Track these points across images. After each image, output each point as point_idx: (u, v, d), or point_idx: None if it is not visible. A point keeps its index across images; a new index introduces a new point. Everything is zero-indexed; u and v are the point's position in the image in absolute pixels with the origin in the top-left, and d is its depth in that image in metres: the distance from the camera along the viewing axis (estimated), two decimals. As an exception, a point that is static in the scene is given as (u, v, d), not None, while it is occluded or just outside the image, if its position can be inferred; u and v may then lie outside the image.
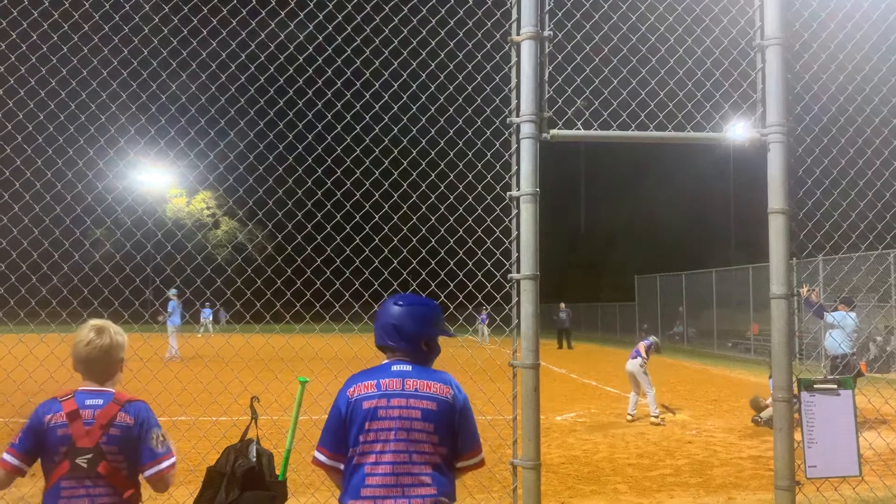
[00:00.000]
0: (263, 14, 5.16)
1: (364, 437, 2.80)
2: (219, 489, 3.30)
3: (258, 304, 5.53)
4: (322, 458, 2.91)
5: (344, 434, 2.84)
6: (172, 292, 21.59)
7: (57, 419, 2.93)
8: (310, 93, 5.12)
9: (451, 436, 2.89)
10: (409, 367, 2.93)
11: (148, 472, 3.06)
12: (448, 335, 3.14)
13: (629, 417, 11.68)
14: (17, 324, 5.28)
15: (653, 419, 11.32)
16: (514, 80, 4.06)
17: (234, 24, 5.37)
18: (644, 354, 11.96)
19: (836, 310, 11.22)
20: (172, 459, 3.13)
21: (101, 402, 2.99)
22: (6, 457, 2.97)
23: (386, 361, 3.02)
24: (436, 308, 3.12)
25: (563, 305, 33.01)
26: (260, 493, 3.32)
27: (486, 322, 32.38)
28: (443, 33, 4.92)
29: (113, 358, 3.11)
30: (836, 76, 4.92)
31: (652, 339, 12.52)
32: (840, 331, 10.64)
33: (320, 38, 5.13)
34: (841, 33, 4.83)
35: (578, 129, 4.23)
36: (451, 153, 5.16)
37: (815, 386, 4.17)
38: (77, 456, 2.90)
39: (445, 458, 2.87)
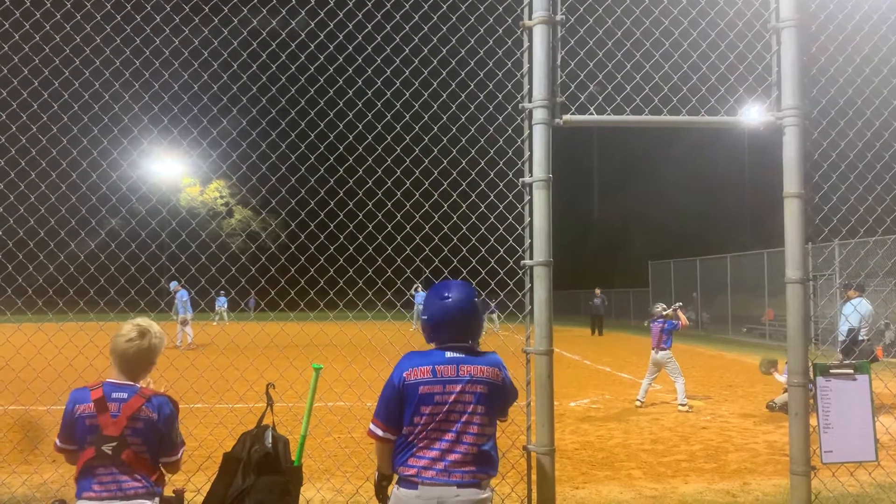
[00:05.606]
0: (274, 1, 5.15)
1: (418, 420, 3.01)
2: (235, 475, 3.36)
3: (272, 292, 5.56)
4: (377, 430, 3.10)
5: (398, 411, 3.05)
6: (174, 284, 21.17)
7: (86, 409, 3.11)
8: (321, 80, 5.11)
9: (498, 411, 3.17)
10: (461, 354, 3.11)
11: (165, 461, 3.27)
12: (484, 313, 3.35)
13: (638, 403, 11.53)
14: (36, 312, 5.34)
15: (680, 408, 11.09)
16: (526, 66, 4.02)
17: (246, 11, 5.36)
18: (668, 337, 11.37)
19: (847, 298, 11.00)
20: (184, 447, 3.37)
21: (125, 395, 3.15)
22: (58, 442, 3.22)
23: (437, 348, 3.17)
24: (474, 293, 3.27)
25: (598, 291, 31.96)
26: (276, 478, 3.36)
27: (496, 311, 31.36)
28: (454, 18, 4.89)
29: (149, 359, 3.28)
30: (852, 58, 4.84)
31: (660, 310, 11.75)
32: (855, 315, 10.51)
33: (331, 25, 5.11)
34: (858, 14, 4.75)
35: (591, 114, 4.20)
36: (464, 139, 5.14)
37: (830, 371, 4.14)
38: (103, 443, 3.07)
39: (490, 435, 3.11)
